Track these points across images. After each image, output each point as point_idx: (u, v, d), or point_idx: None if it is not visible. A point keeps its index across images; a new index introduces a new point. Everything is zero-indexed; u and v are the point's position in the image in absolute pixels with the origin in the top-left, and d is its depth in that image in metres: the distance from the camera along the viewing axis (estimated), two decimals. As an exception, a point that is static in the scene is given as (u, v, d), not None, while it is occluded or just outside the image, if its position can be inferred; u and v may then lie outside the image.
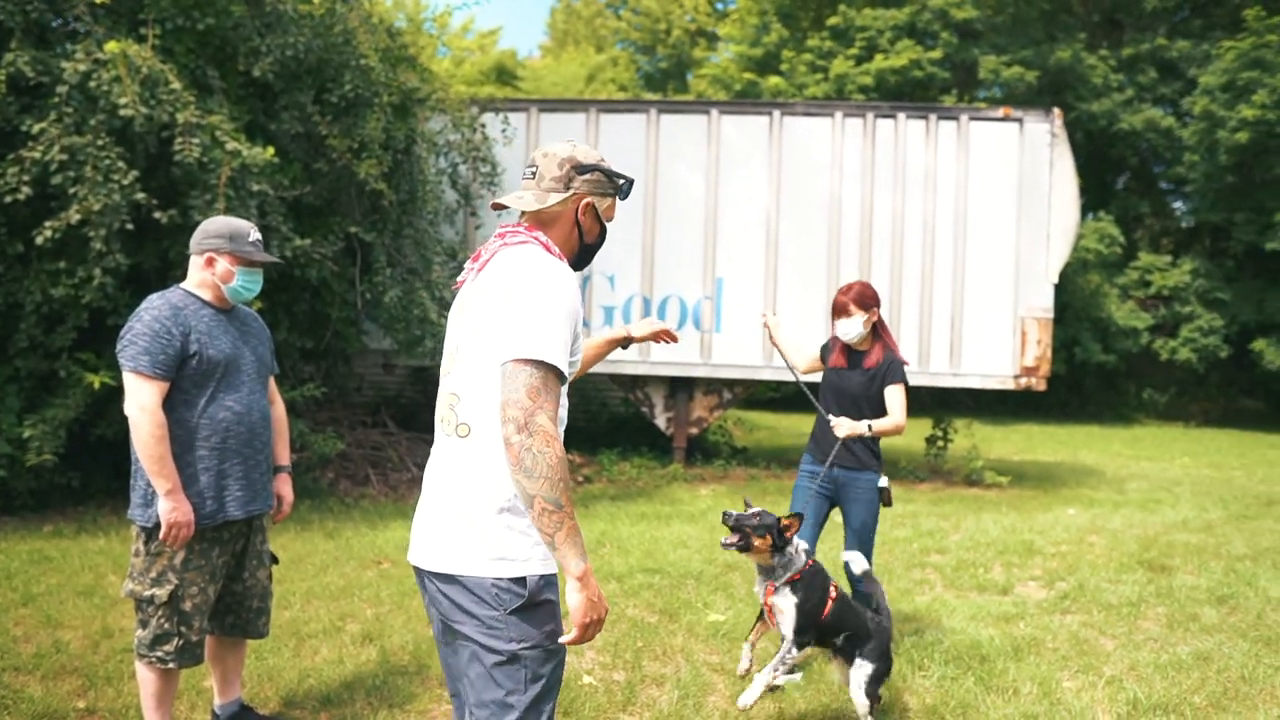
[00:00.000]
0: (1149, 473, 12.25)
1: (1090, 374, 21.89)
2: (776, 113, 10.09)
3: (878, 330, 4.24)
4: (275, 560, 3.43)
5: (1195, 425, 21.62)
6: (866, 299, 4.16)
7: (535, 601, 1.96)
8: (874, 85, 21.26)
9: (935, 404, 16.25)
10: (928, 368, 9.85)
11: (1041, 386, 9.84)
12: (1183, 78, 22.22)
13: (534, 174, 2.16)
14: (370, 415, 10.15)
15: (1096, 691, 3.93)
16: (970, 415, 15.18)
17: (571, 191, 2.15)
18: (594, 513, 7.89)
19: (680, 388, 10.31)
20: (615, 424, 12.60)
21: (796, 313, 9.68)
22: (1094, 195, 23.83)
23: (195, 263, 3.16)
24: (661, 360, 9.96)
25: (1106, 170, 24.44)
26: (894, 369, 4.16)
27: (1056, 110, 9.87)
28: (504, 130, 9.10)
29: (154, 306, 3.03)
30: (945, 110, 10.09)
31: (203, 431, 3.03)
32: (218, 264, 3.13)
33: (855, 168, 9.90)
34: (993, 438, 16.25)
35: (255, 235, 3.22)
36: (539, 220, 2.17)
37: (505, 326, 1.95)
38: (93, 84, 5.81)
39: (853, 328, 4.15)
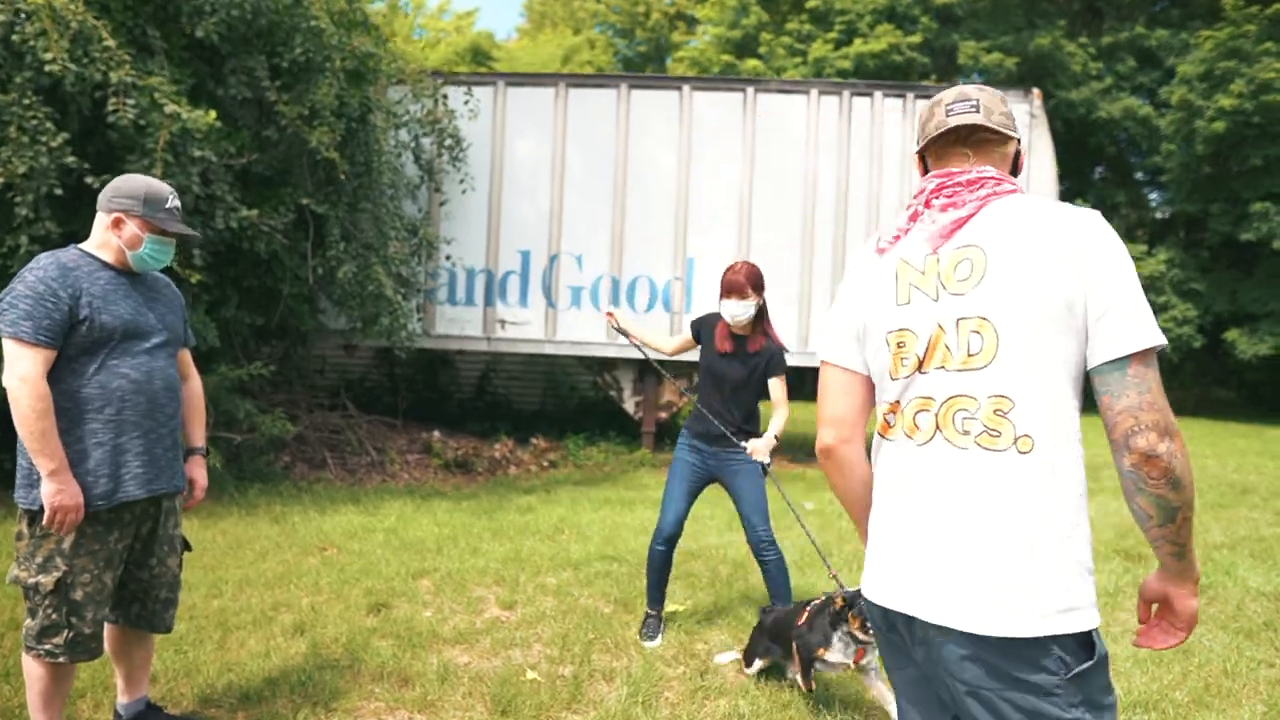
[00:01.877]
0: (1123, 461, 12.12)
1: (1065, 363, 21.90)
2: (750, 89, 9.82)
3: (761, 314, 4.09)
4: (188, 547, 3.13)
5: (1168, 415, 21.65)
6: (759, 281, 4.03)
7: (1101, 656, 1.59)
8: (853, 69, 21.06)
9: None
10: (902, 352, 9.65)
11: (1017, 372, 9.66)
12: (1161, 67, 22.20)
13: (975, 107, 1.76)
14: (331, 398, 9.83)
15: (1072, 687, 3.72)
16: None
17: (1016, 136, 1.81)
18: (555, 498, 7.63)
19: (649, 371, 10.06)
20: (584, 408, 12.34)
21: (770, 292, 9.42)
22: (1072, 184, 23.79)
23: (101, 221, 2.85)
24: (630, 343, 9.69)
25: (1084, 159, 24.39)
26: (778, 360, 4.10)
27: (1036, 91, 9.67)
28: (466, 103, 8.77)
29: (40, 266, 2.72)
30: (922, 89, 9.87)
31: (94, 402, 2.72)
32: (125, 227, 2.82)
33: (831, 147, 9.66)
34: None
35: (174, 202, 2.91)
36: (991, 161, 1.78)
37: (1109, 310, 1.54)
38: (16, 38, 5.44)
39: (746, 310, 4.01)
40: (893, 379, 1.72)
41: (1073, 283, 1.56)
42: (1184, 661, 4.03)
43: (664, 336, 4.51)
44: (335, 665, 3.68)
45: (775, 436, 3.95)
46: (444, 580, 4.94)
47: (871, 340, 1.76)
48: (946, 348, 1.64)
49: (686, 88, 9.85)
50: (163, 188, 2.89)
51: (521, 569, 5.22)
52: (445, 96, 8.56)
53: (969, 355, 1.62)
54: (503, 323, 9.88)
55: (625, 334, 4.39)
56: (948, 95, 1.81)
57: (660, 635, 4.18)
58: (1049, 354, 1.57)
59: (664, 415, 10.27)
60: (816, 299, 9.60)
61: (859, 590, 3.31)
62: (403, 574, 5.00)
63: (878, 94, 9.67)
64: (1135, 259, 21.79)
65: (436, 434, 9.58)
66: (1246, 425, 19.00)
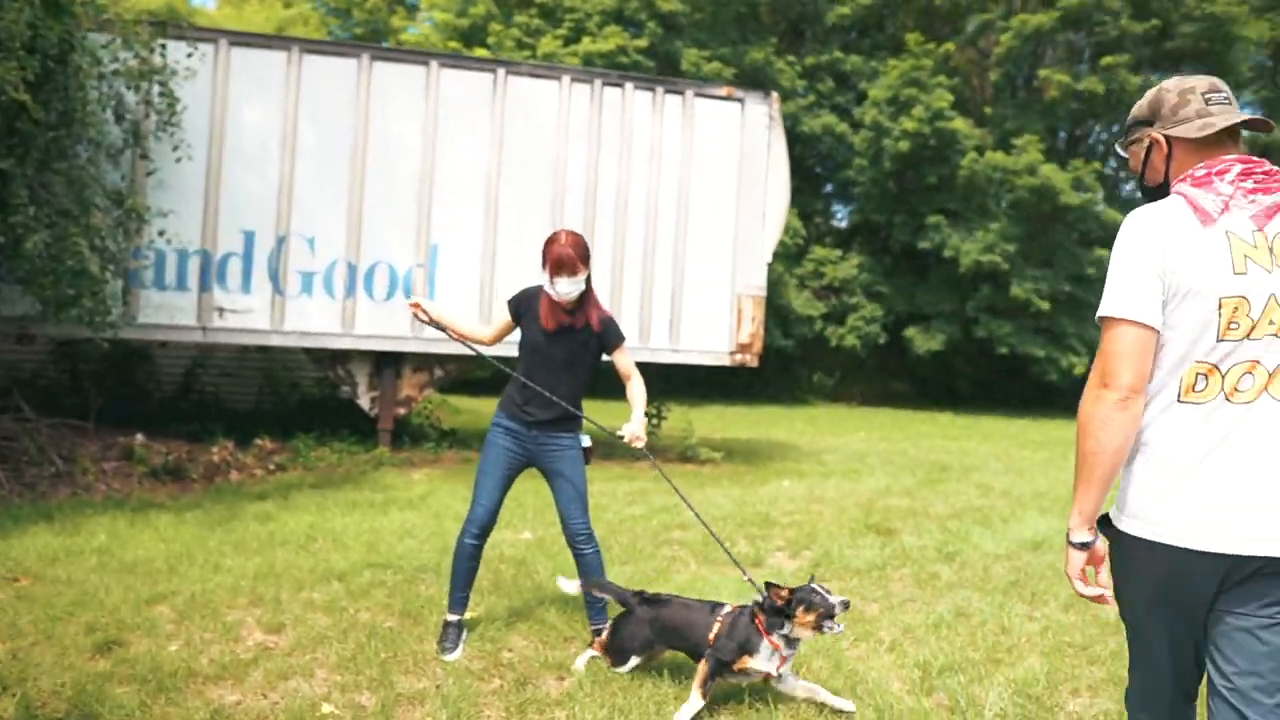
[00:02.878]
0: (835, 446, 13.16)
1: (770, 358, 23.50)
2: (501, 71, 9.46)
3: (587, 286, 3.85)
4: None
5: (857, 405, 23.96)
6: (587, 253, 3.76)
7: None
8: (581, 67, 21.24)
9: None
10: (648, 343, 9.74)
11: (754, 363, 10.10)
12: (855, 90, 24.44)
13: (1227, 100, 2.00)
14: (-2, 398, 8.19)
15: (881, 658, 3.81)
16: (664, 395, 15.51)
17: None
18: (295, 504, 6.86)
19: (387, 364, 9.40)
20: (308, 406, 11.32)
21: (517, 283, 9.11)
22: (777, 192, 25.56)
23: None
24: (367, 334, 9.02)
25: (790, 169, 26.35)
26: (615, 329, 3.89)
27: (774, 95, 10.16)
28: (190, 55, 7.65)
29: None
30: (672, 84, 10.04)
31: None
32: None
33: (581, 135, 9.53)
34: (687, 417, 16.76)
35: None
36: (1239, 148, 2.02)
37: None
38: None
39: (578, 286, 3.73)
40: (1219, 340, 1.87)
41: None
42: (965, 623, 4.29)
43: (478, 325, 4.03)
44: (63, 723, 2.93)
45: (646, 414, 3.67)
46: (187, 605, 4.17)
47: (1192, 302, 1.88)
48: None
49: (434, 63, 9.29)
50: None
51: (280, 585, 4.55)
52: (164, 47, 7.40)
53: None
54: (221, 311, 8.78)
55: (440, 327, 3.85)
56: (1199, 84, 2.01)
57: (461, 646, 3.78)
58: None
59: (402, 411, 9.65)
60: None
61: (810, 586, 3.16)
62: (131, 602, 4.16)
63: (629, 85, 9.69)
64: (832, 262, 23.91)
65: (139, 438, 8.29)
66: (922, 413, 21.45)
